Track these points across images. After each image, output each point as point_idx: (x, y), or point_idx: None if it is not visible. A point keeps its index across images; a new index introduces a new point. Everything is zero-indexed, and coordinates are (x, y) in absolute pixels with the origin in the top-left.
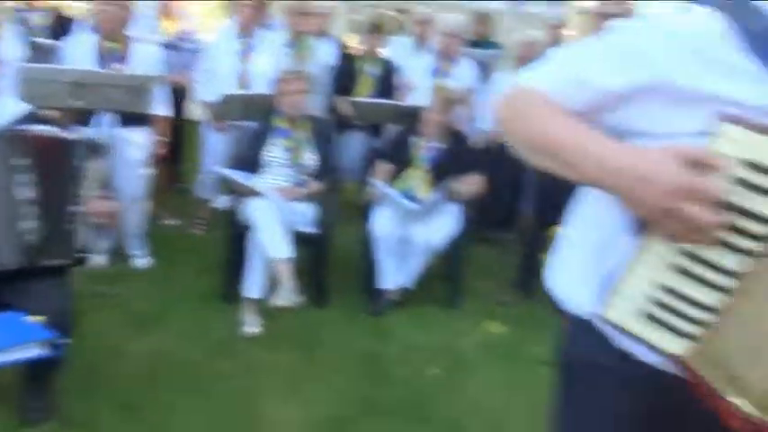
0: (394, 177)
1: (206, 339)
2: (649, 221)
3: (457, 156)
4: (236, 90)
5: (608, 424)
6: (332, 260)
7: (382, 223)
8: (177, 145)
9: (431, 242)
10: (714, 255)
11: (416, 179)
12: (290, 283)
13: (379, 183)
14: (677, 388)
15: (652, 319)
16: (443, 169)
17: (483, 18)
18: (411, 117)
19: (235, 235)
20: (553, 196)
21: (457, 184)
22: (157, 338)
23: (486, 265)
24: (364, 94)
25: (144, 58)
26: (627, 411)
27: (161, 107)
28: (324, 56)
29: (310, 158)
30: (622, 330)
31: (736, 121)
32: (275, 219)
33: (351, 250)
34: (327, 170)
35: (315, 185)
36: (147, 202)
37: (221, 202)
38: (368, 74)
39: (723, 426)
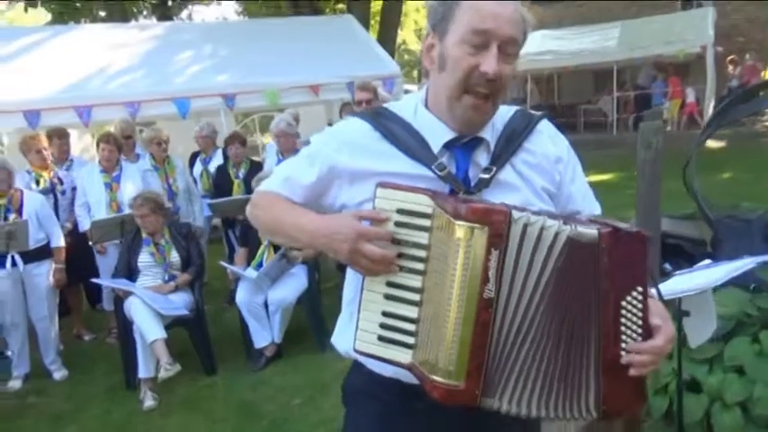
0: (251, 256)
1: (110, 422)
2: (349, 263)
3: None
4: (105, 216)
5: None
6: (222, 332)
7: (242, 294)
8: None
9: (285, 300)
10: (403, 279)
11: (264, 253)
12: (166, 358)
13: (228, 265)
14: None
15: (385, 340)
16: None
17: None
18: None
19: (123, 330)
20: None
21: (291, 251)
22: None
23: None
24: (238, 193)
25: (33, 205)
26: (389, 415)
27: (56, 240)
28: (215, 165)
29: (175, 257)
30: (369, 356)
31: (384, 185)
32: (147, 310)
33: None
34: (191, 263)
35: (183, 277)
36: (55, 323)
37: (106, 305)
38: (236, 177)
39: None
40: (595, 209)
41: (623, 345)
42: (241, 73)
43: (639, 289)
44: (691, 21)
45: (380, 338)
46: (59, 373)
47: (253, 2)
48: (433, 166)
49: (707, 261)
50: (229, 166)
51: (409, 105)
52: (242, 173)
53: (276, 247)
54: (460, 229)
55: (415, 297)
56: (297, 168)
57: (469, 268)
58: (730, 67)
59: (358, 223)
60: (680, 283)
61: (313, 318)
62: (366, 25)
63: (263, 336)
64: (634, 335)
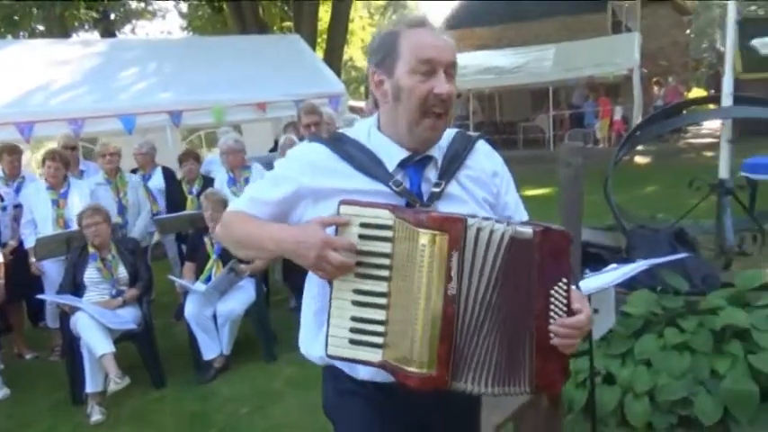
0: (199, 270)
1: None
2: (313, 269)
3: None
4: (52, 232)
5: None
6: (172, 345)
7: (190, 307)
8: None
9: (233, 312)
10: (369, 285)
11: (212, 267)
12: (115, 372)
13: (176, 279)
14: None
15: (355, 343)
16: (228, 255)
17: None
18: (202, 220)
19: (68, 346)
20: None
21: (239, 265)
22: None
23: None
24: (192, 209)
25: None
26: (371, 416)
27: None
28: (155, 183)
29: (122, 272)
30: (343, 359)
31: (346, 202)
32: (94, 324)
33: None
34: (139, 278)
35: (131, 292)
36: None
37: (50, 322)
38: (189, 193)
39: (411, 391)
40: (524, 216)
41: (551, 328)
42: (187, 90)
43: (564, 280)
44: (619, 45)
45: (351, 342)
46: (0, 392)
47: (198, 18)
48: (390, 183)
49: (613, 265)
50: (183, 182)
51: (362, 130)
52: (195, 189)
53: (224, 261)
54: (424, 236)
55: (382, 301)
56: (262, 189)
57: (434, 269)
58: (655, 88)
59: (324, 232)
60: (589, 283)
61: (261, 329)
62: (313, 43)
63: (212, 348)
64: (560, 319)
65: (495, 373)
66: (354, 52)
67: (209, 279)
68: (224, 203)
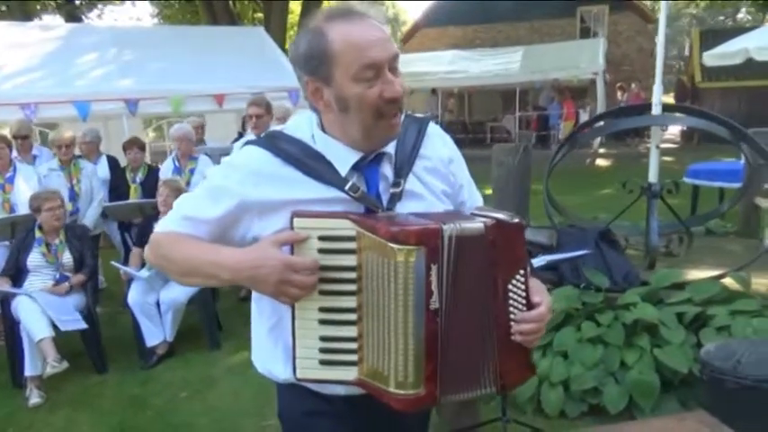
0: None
1: None
2: (273, 295)
3: None
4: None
5: None
6: (118, 333)
7: (134, 294)
8: None
9: (176, 300)
10: (337, 302)
11: None
12: (53, 355)
13: (120, 266)
14: (364, 405)
15: (327, 363)
16: None
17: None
18: (154, 208)
19: (9, 330)
20: None
21: None
22: None
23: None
24: (135, 197)
25: None
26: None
27: None
28: (100, 172)
29: (67, 258)
30: (313, 381)
31: (299, 214)
32: (34, 309)
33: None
34: (84, 264)
35: (77, 277)
36: None
37: None
38: (133, 181)
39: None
40: (478, 199)
41: (512, 323)
42: (145, 79)
43: (521, 272)
44: (584, 49)
45: (322, 362)
46: None
47: (169, 6)
48: (346, 189)
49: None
50: (127, 170)
51: (303, 129)
52: (139, 177)
53: None
54: (401, 253)
55: (352, 317)
56: (198, 205)
57: (414, 286)
58: (619, 93)
59: (281, 254)
60: None
61: (206, 317)
62: (284, 36)
63: (155, 334)
64: (520, 313)
65: (469, 378)
66: None
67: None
68: (180, 191)
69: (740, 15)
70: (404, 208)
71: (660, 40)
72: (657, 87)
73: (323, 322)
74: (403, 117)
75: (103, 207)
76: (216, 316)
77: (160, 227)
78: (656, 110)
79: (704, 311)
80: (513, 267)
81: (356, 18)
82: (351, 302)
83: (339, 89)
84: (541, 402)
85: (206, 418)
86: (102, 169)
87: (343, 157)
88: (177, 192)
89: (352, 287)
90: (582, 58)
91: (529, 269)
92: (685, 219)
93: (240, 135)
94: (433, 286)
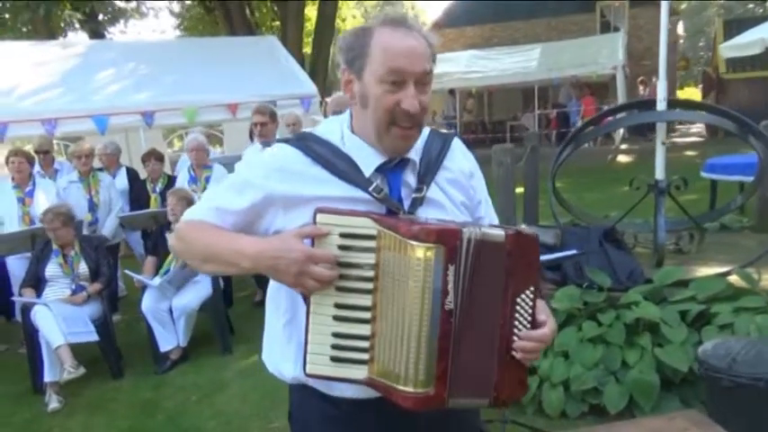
0: (160, 265)
1: (13, 422)
2: (292, 285)
3: None
4: (17, 228)
5: None
6: (135, 339)
7: (147, 301)
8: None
9: (188, 306)
10: (352, 299)
11: (172, 262)
12: (70, 362)
13: (133, 274)
14: (374, 410)
15: (338, 360)
16: None
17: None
18: (165, 217)
19: (29, 338)
20: None
21: None
22: None
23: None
24: (155, 207)
25: None
26: None
27: None
28: (119, 183)
29: (83, 268)
30: (322, 378)
31: (323, 210)
32: (51, 318)
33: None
34: (100, 273)
35: (94, 287)
36: None
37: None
38: (153, 191)
39: (404, 411)
40: (494, 219)
41: (515, 338)
42: (160, 91)
43: (532, 288)
44: (603, 45)
45: (333, 359)
46: None
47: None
48: (369, 190)
49: None
50: (147, 181)
51: (334, 131)
52: (159, 187)
53: None
54: (419, 250)
55: (366, 315)
56: (225, 197)
57: (431, 284)
58: (641, 88)
59: (303, 245)
60: None
61: (217, 322)
62: (300, 43)
63: (168, 340)
64: (524, 329)
65: (474, 384)
66: None
67: (167, 273)
68: (188, 200)
69: None
70: (424, 214)
71: (662, 38)
72: (661, 83)
73: (337, 318)
74: (428, 132)
75: (119, 217)
76: (228, 321)
77: (187, 216)
78: (660, 106)
79: (708, 309)
80: (525, 281)
81: (402, 28)
82: (366, 300)
83: (365, 86)
84: (542, 402)
85: (214, 422)
86: (122, 180)
87: (368, 159)
88: (185, 200)
89: (369, 285)
90: (601, 54)
91: (539, 287)
92: (699, 214)
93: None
94: (450, 286)
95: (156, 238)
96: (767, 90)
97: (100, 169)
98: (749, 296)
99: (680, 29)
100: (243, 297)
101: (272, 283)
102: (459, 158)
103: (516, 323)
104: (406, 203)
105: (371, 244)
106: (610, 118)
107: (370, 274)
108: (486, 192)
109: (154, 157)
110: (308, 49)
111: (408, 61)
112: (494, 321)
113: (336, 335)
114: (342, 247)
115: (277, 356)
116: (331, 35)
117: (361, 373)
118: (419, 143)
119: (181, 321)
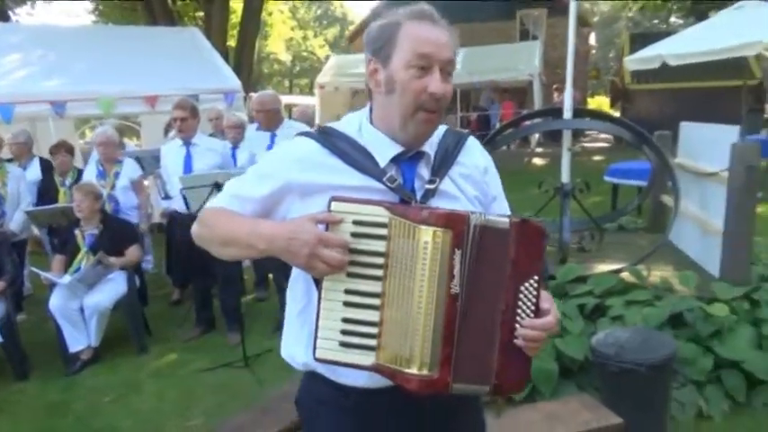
0: (69, 263)
1: None
2: (304, 267)
3: (110, 235)
4: None
5: None
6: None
7: (56, 300)
8: None
9: (100, 305)
10: (363, 286)
11: (82, 260)
12: None
13: (41, 272)
14: (381, 400)
15: (347, 345)
16: (100, 247)
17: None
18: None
19: None
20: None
21: (107, 258)
22: None
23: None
24: (64, 202)
25: None
26: (351, 426)
27: None
28: (31, 174)
29: None
30: (331, 362)
31: (338, 198)
32: None
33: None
34: (4, 271)
35: None
36: None
37: None
38: (62, 185)
39: (412, 400)
40: (507, 210)
41: (517, 326)
42: (72, 79)
43: (536, 277)
44: (522, 52)
45: (342, 344)
46: None
47: (106, 4)
48: (384, 179)
49: None
50: (56, 174)
51: (352, 123)
52: (68, 181)
53: (95, 254)
54: (427, 233)
55: (376, 301)
56: (246, 185)
57: (437, 267)
58: (555, 95)
59: (316, 228)
60: None
61: (132, 322)
62: (224, 36)
63: (78, 340)
64: (528, 317)
65: (477, 371)
66: (277, 46)
67: (78, 271)
68: (95, 195)
69: (673, 19)
70: (437, 205)
71: (570, 50)
72: (568, 94)
73: (348, 304)
74: (444, 129)
75: (27, 212)
76: (144, 320)
77: (209, 204)
78: (566, 115)
79: (603, 302)
80: (529, 270)
81: (428, 19)
82: (377, 287)
83: (392, 71)
84: None
85: (129, 421)
86: (34, 172)
87: (384, 150)
88: (92, 195)
89: (379, 272)
90: (520, 61)
91: (543, 277)
92: (600, 216)
93: (166, 134)
94: (456, 270)
95: (64, 236)
96: (667, 101)
97: (9, 160)
98: (638, 290)
99: (592, 39)
100: (160, 296)
101: (293, 272)
102: (475, 155)
103: (519, 311)
104: (419, 194)
105: (383, 232)
106: (527, 122)
107: (381, 261)
108: (501, 189)
109: (64, 149)
110: (232, 42)
111: (435, 48)
112: (496, 308)
113: (346, 320)
114: (354, 235)
115: (291, 342)
116: (257, 29)
117: (368, 359)
118: (435, 138)
119: (93, 321)
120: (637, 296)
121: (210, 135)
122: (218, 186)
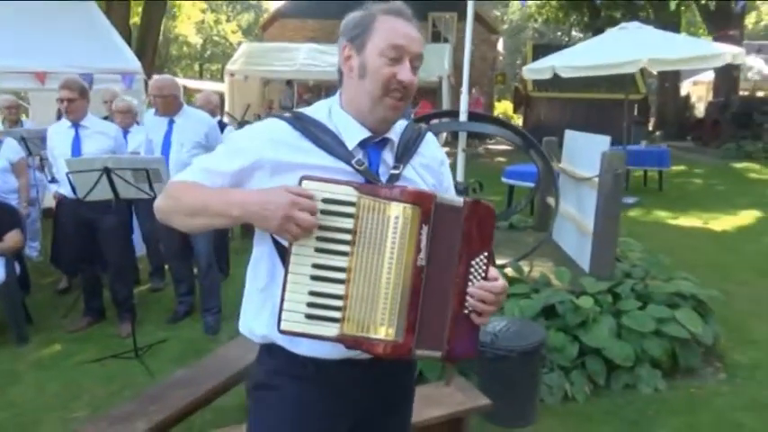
0: None
1: None
2: (277, 231)
3: None
4: None
5: (298, 414)
6: None
7: None
8: None
9: None
10: (330, 260)
11: None
12: None
13: None
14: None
15: (312, 317)
16: None
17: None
18: None
19: None
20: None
21: None
22: None
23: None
24: None
25: None
26: (311, 399)
27: None
28: None
29: None
30: (296, 334)
31: (308, 178)
32: None
33: None
34: None
35: None
36: None
37: None
38: None
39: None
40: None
41: (468, 297)
42: None
43: (486, 253)
44: (433, 53)
45: (308, 316)
46: None
47: None
48: (352, 162)
49: None
50: None
51: (322, 109)
52: None
53: None
54: (397, 208)
55: (342, 276)
56: (217, 160)
57: (405, 241)
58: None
59: (289, 194)
60: None
61: (10, 310)
62: (126, 15)
63: None
64: (478, 282)
65: (434, 337)
66: (187, 28)
67: None
68: None
69: (574, 33)
70: None
71: (467, 53)
72: (464, 97)
73: (314, 278)
74: (405, 123)
75: None
76: (25, 309)
77: (176, 178)
78: (462, 117)
79: None
80: (479, 246)
81: (403, 17)
82: (343, 262)
83: (365, 58)
84: None
85: (5, 413)
86: None
87: (352, 132)
88: None
89: (346, 248)
90: (430, 62)
91: (492, 254)
92: None
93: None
94: (422, 244)
95: None
96: (563, 109)
97: None
98: (518, 284)
99: (500, 46)
100: (45, 284)
101: (255, 253)
102: (433, 148)
103: (469, 284)
104: (384, 179)
105: (351, 210)
106: (435, 121)
107: (348, 237)
108: (452, 181)
109: None
110: (136, 19)
111: (408, 41)
112: (450, 279)
113: (313, 293)
114: (324, 212)
115: (250, 317)
116: (162, 8)
117: (332, 330)
118: (398, 128)
119: None
120: (517, 289)
121: (105, 118)
122: (107, 171)
